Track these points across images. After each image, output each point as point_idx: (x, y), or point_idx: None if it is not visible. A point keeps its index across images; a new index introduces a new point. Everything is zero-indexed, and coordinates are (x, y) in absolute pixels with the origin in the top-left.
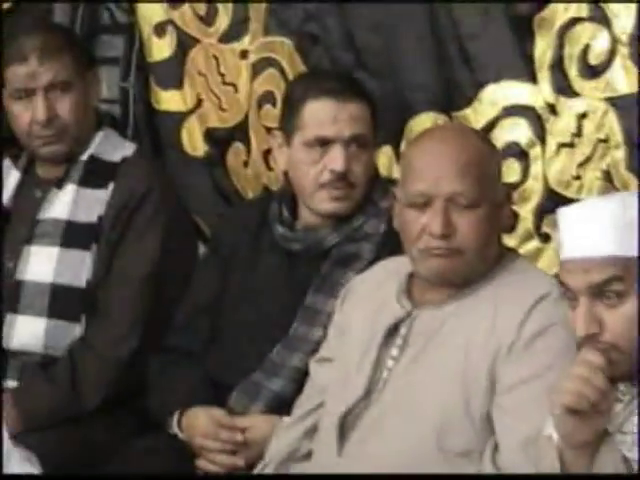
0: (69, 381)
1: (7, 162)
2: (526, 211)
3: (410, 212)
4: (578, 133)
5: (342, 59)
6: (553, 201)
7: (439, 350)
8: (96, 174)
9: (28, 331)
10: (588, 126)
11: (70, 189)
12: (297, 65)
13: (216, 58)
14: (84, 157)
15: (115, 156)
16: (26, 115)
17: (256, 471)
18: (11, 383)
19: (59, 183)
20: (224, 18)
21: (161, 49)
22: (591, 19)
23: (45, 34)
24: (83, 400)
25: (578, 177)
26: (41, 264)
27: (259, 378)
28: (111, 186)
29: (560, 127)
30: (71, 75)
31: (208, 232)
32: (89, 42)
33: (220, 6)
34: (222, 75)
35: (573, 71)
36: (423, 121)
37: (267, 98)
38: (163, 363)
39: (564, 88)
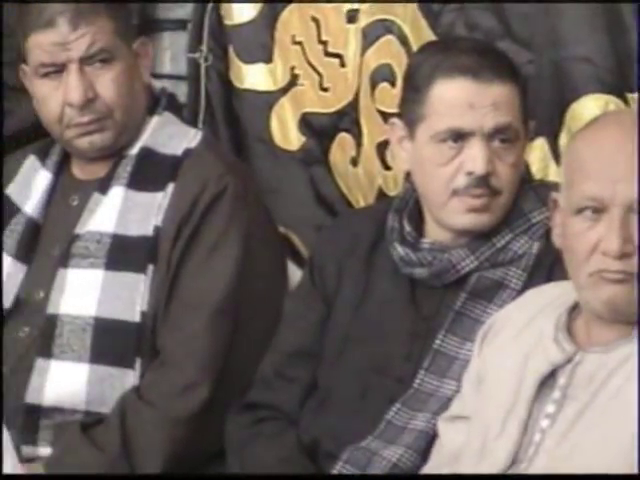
0: (120, 445)
1: (33, 160)
2: None
3: (577, 223)
4: None
5: (482, 24)
6: None
7: (610, 406)
8: (151, 172)
9: (65, 381)
10: None
11: (117, 193)
12: (423, 31)
13: (316, 21)
14: (134, 150)
15: (175, 148)
16: (56, 97)
17: None
18: (43, 450)
19: (102, 186)
20: None
21: (243, 9)
22: None
23: None
24: (138, 470)
25: None
26: (81, 293)
27: (372, 445)
28: (170, 188)
29: None
30: (113, 43)
31: (305, 252)
32: None
33: None
34: (324, 43)
35: None
36: (589, 106)
37: (383, 74)
38: (245, 424)
39: None
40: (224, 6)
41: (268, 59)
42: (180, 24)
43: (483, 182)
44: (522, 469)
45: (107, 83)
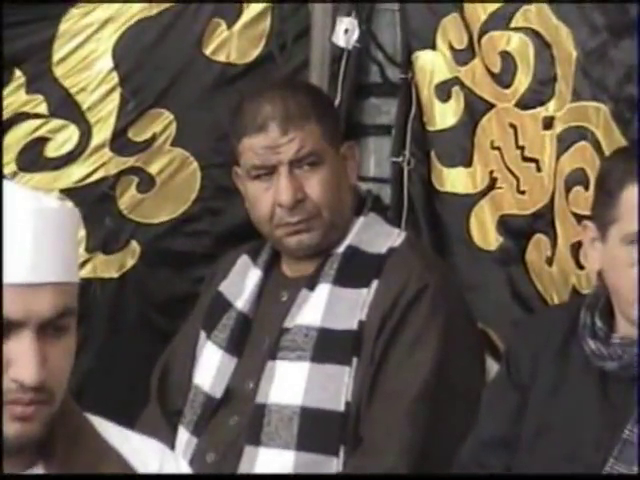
0: None
1: (245, 259)
2: None
3: None
4: None
5: None
6: None
7: None
8: (356, 270)
9: (273, 468)
10: None
11: (324, 289)
12: (615, 137)
13: (514, 127)
14: (340, 249)
15: (380, 247)
16: (267, 198)
17: None
18: None
19: (310, 282)
20: (524, 77)
21: (445, 115)
22: None
23: (288, 96)
24: None
25: None
26: (288, 383)
27: None
28: (375, 284)
29: None
30: (322, 147)
31: (501, 346)
32: (353, 106)
33: (519, 63)
34: (521, 148)
35: None
36: None
37: (577, 178)
38: None
39: None
40: (426, 113)
41: (468, 163)
42: (385, 129)
43: None
44: None
45: (315, 185)
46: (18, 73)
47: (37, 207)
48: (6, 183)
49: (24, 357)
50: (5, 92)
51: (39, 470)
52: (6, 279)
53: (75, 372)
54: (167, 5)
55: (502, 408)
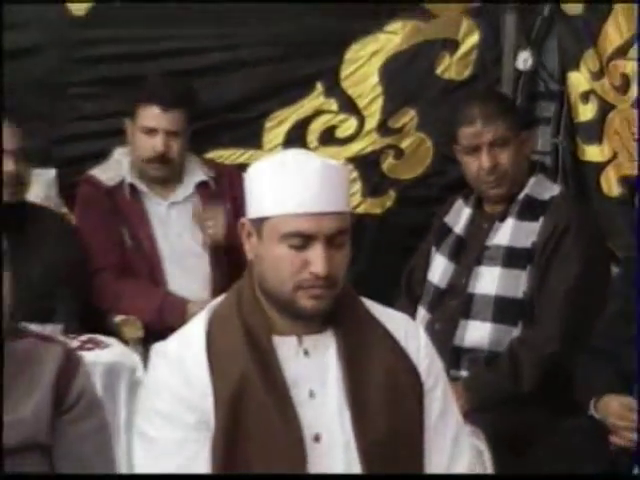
0: (509, 370)
1: (460, 202)
2: None
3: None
4: None
5: None
6: None
7: None
8: (530, 210)
9: (477, 333)
10: None
11: (510, 222)
12: None
13: (628, 121)
14: (521, 196)
15: (545, 195)
16: (474, 165)
17: None
18: (463, 373)
19: (501, 217)
20: (635, 88)
21: (585, 112)
22: None
23: (488, 101)
24: (521, 384)
25: None
26: (488, 281)
27: None
28: (541, 219)
29: None
30: (508, 133)
31: (620, 256)
32: (528, 106)
33: (631, 80)
34: (633, 134)
35: None
36: None
37: None
38: (587, 360)
39: None
40: (574, 111)
41: (600, 142)
42: (547, 121)
43: None
44: None
45: (505, 157)
46: (318, 85)
47: (323, 163)
48: (306, 152)
49: (318, 258)
50: (309, 98)
51: (330, 332)
52: (302, 209)
53: (351, 272)
54: (413, 42)
55: (619, 291)
